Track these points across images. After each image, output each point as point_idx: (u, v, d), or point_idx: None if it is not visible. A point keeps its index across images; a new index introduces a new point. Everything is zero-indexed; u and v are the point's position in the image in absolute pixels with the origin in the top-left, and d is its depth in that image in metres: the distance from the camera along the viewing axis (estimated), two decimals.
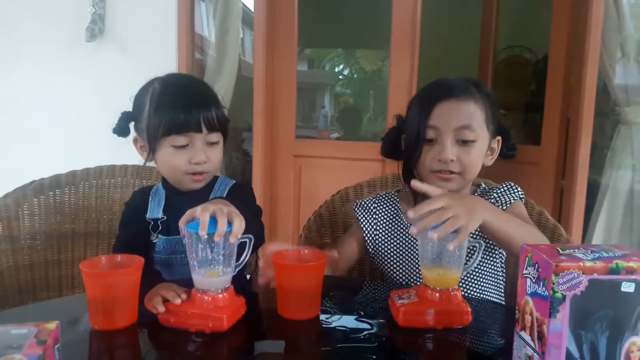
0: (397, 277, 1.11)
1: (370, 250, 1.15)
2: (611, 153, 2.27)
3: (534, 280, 0.61)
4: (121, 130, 1.05)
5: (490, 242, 1.07)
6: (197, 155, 1.01)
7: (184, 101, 1.00)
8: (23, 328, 0.54)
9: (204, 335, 0.77)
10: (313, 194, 2.44)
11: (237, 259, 0.83)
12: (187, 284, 0.84)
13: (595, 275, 0.57)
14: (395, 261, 1.12)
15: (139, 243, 1.03)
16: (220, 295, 0.80)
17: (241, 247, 0.82)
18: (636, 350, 0.58)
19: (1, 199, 1.24)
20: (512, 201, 1.08)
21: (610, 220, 2.26)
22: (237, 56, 2.50)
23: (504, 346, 0.78)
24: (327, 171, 2.47)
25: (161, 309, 0.80)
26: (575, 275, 0.57)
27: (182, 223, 0.78)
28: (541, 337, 0.60)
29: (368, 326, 0.83)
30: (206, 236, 0.76)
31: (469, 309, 0.82)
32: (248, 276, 1.18)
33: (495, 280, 1.10)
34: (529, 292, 0.62)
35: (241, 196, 1.04)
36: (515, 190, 1.11)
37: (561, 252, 0.61)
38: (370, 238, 1.15)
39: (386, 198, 1.18)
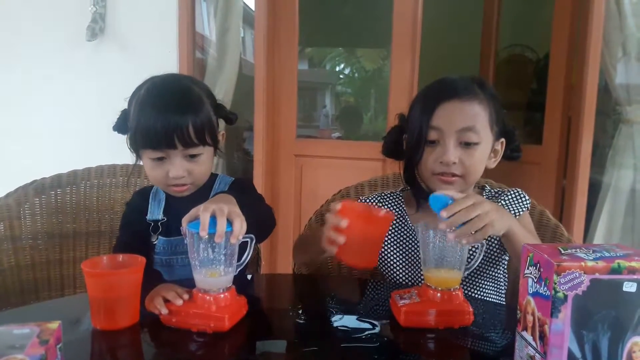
0: (400, 278, 1.11)
1: None
2: (613, 152, 2.27)
3: (535, 280, 0.61)
4: (119, 127, 1.03)
5: (492, 244, 1.07)
6: (173, 170, 0.97)
7: (159, 115, 0.93)
8: (25, 328, 0.54)
9: (206, 335, 0.77)
10: (314, 193, 2.44)
11: (239, 259, 0.83)
12: (187, 284, 0.84)
13: (597, 275, 0.57)
14: (398, 261, 1.11)
15: (139, 244, 1.03)
16: (222, 295, 0.80)
17: (243, 246, 0.82)
18: (638, 350, 0.58)
19: (2, 199, 1.24)
20: (521, 213, 1.07)
21: (611, 220, 2.25)
22: (238, 55, 2.50)
23: (506, 346, 0.78)
24: (328, 170, 2.47)
25: (164, 310, 0.80)
26: (577, 275, 0.57)
27: (185, 221, 0.78)
28: (543, 337, 0.59)
29: (370, 326, 0.83)
30: (207, 236, 0.76)
31: (471, 309, 0.82)
32: (249, 276, 1.18)
33: (496, 283, 1.10)
34: (531, 292, 0.62)
35: (242, 190, 1.03)
36: (524, 199, 1.08)
37: (563, 251, 0.61)
38: None
39: (391, 197, 1.17)
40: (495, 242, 1.07)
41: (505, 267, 1.11)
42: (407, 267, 1.10)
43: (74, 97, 2.45)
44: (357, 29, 4.64)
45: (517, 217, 1.06)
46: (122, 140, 1.06)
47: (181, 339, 0.77)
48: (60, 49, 2.43)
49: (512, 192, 1.10)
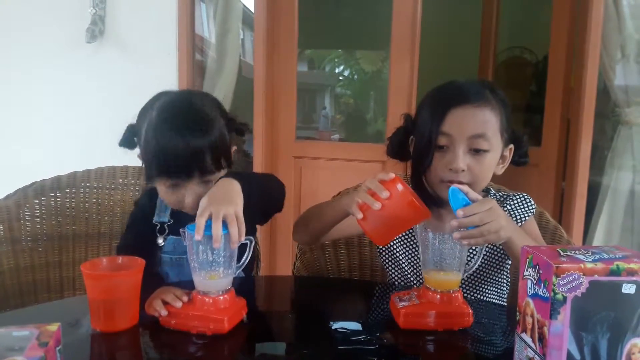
0: (410, 280, 1.10)
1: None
2: (612, 154, 2.27)
3: (534, 282, 0.61)
4: (127, 143, 1.01)
5: (495, 248, 1.06)
6: (189, 198, 0.95)
7: (176, 146, 0.90)
8: (24, 330, 0.54)
9: (205, 337, 0.77)
10: (314, 195, 2.43)
11: (238, 260, 0.83)
12: (191, 286, 0.83)
13: (596, 277, 0.57)
14: (406, 263, 1.10)
15: (144, 246, 1.02)
16: (221, 297, 0.80)
17: (242, 247, 0.82)
18: (637, 352, 0.58)
19: (2, 201, 1.24)
20: (526, 218, 1.05)
21: (611, 222, 2.25)
22: (237, 57, 2.50)
23: (505, 348, 0.78)
24: (327, 172, 2.47)
25: (164, 312, 0.80)
26: (576, 277, 0.57)
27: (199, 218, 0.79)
28: (542, 339, 0.60)
29: (368, 328, 0.83)
30: (201, 240, 0.76)
31: (470, 311, 0.82)
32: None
33: (498, 287, 1.10)
34: (530, 294, 0.62)
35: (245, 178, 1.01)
36: (529, 204, 1.07)
37: (562, 253, 0.61)
38: None
39: None
40: (499, 247, 1.06)
41: (508, 272, 1.11)
42: (416, 269, 1.09)
43: (74, 99, 2.45)
44: (356, 31, 4.64)
45: (523, 222, 1.05)
46: None
47: (180, 341, 0.77)
48: (60, 51, 2.43)
49: (517, 197, 1.08)
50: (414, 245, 1.10)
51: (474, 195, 0.84)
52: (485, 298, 1.08)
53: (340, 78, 6.37)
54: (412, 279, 1.10)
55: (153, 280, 0.89)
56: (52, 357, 0.53)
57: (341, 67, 6.38)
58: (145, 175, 0.98)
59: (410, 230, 1.11)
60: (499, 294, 1.10)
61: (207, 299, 0.80)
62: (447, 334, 0.81)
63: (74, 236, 1.32)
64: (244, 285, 1.05)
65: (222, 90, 2.43)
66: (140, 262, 0.81)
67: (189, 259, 0.81)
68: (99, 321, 0.78)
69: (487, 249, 1.06)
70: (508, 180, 1.17)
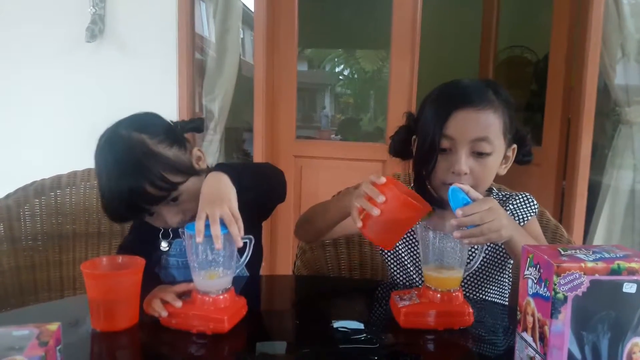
0: (414, 280, 1.10)
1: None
2: (612, 153, 2.27)
3: (535, 281, 0.61)
4: None
5: (497, 248, 1.06)
6: (170, 220, 0.97)
7: (121, 196, 0.90)
8: (25, 329, 0.54)
9: (205, 337, 0.77)
10: (314, 194, 2.43)
11: (239, 259, 0.83)
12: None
13: (596, 276, 0.57)
14: (410, 262, 1.10)
15: (145, 248, 1.02)
16: (221, 297, 0.80)
17: (242, 247, 0.82)
18: (638, 351, 0.58)
19: (2, 200, 1.24)
20: (529, 218, 1.05)
21: (611, 221, 2.25)
22: (237, 56, 2.50)
23: (506, 347, 0.78)
24: (327, 171, 2.47)
25: (164, 313, 0.80)
26: (577, 276, 0.57)
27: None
28: (543, 338, 0.59)
29: (369, 327, 0.83)
30: (201, 242, 0.76)
31: (471, 310, 0.82)
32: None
33: (500, 287, 1.09)
34: (531, 293, 0.62)
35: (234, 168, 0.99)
36: (532, 204, 1.06)
37: (562, 252, 0.61)
38: None
39: None
40: (501, 246, 1.06)
41: (510, 271, 1.10)
42: (419, 266, 1.09)
43: (74, 98, 2.45)
44: (356, 31, 4.65)
45: (525, 222, 1.04)
46: None
47: (180, 340, 0.77)
48: (60, 50, 2.43)
49: (520, 197, 1.08)
50: (417, 243, 1.10)
51: (474, 194, 0.84)
52: (487, 297, 1.07)
53: (340, 77, 6.38)
54: (414, 276, 1.10)
55: (152, 281, 0.89)
56: (52, 357, 0.53)
57: (341, 67, 6.38)
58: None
59: (413, 228, 1.10)
60: (500, 294, 1.09)
61: (207, 299, 0.79)
62: (447, 333, 0.81)
63: (74, 235, 1.32)
64: (249, 285, 1.05)
65: (222, 89, 2.43)
66: (140, 262, 0.81)
67: (188, 259, 0.80)
68: (99, 321, 0.78)
69: (488, 249, 1.06)
70: (508, 180, 1.16)
